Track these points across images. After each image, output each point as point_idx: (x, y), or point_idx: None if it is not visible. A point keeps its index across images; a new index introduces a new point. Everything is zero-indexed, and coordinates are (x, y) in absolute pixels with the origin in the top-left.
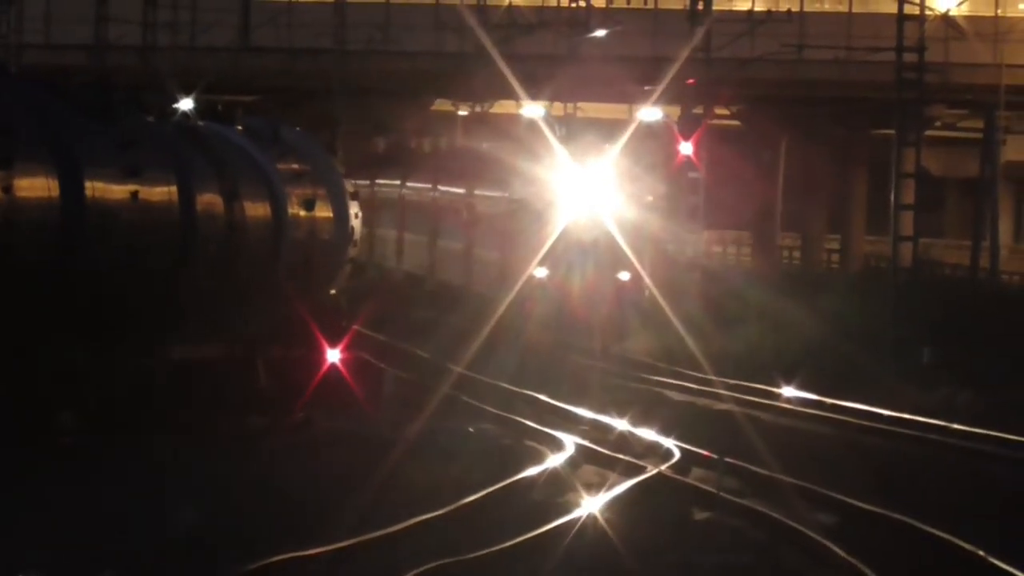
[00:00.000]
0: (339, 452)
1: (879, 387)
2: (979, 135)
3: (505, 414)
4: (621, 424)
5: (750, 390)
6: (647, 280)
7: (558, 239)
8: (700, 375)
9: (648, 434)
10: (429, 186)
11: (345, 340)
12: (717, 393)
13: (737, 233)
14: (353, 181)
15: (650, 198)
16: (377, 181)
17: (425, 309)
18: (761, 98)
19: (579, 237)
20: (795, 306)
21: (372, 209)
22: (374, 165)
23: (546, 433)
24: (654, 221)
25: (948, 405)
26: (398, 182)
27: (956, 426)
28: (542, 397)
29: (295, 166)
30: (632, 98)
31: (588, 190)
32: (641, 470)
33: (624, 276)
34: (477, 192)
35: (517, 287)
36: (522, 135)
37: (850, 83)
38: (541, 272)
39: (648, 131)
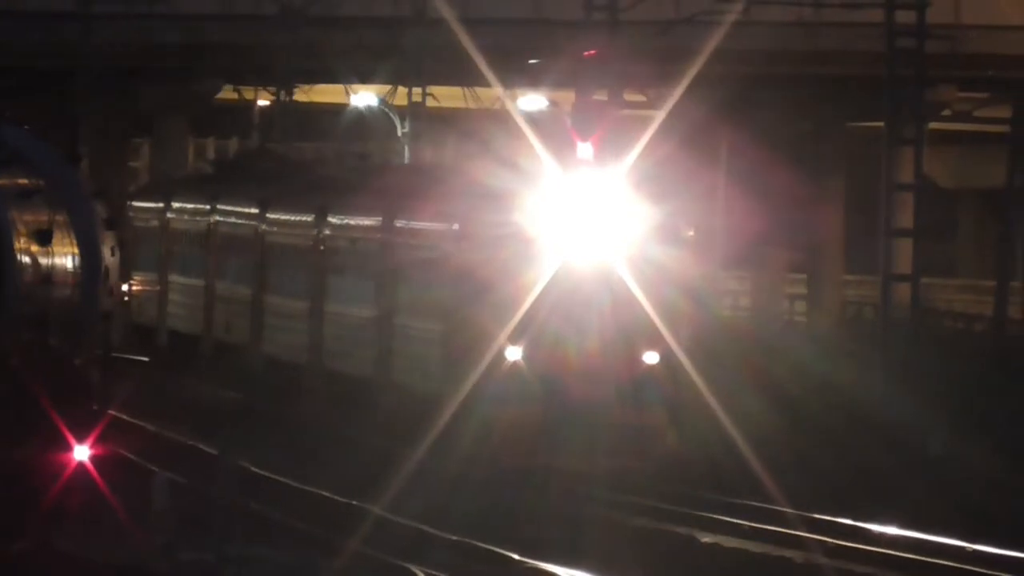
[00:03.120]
0: None
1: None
2: (1005, 128)
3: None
4: None
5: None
6: (685, 361)
7: (541, 297)
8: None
9: None
10: (310, 217)
11: (96, 430)
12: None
13: None
14: (178, 205)
15: (691, 232)
16: (219, 207)
17: (306, 418)
18: (690, 78)
19: (576, 294)
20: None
21: (209, 252)
22: (210, 184)
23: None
24: (694, 267)
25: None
26: (255, 210)
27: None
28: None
29: (23, 181)
30: (507, 79)
31: (587, 218)
32: None
33: (651, 357)
34: (401, 223)
35: (474, 377)
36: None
37: (820, 55)
38: (515, 352)
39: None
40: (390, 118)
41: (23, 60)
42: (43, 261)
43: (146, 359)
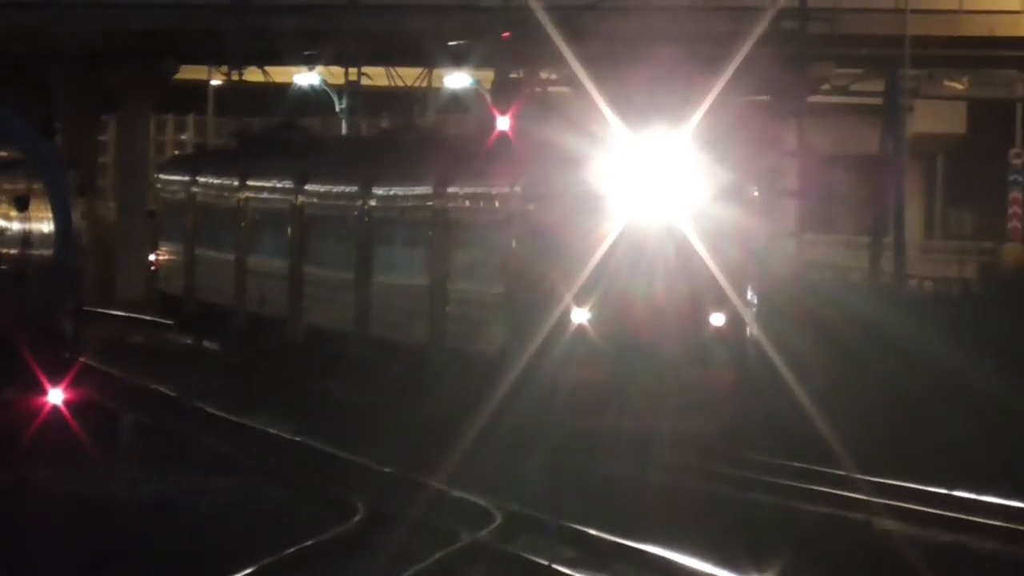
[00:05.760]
0: (60, 521)
1: None
2: (879, 101)
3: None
4: None
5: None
6: (751, 324)
7: (607, 259)
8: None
9: None
10: (352, 188)
11: (69, 376)
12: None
13: None
14: (206, 179)
15: (755, 192)
16: (248, 183)
17: (358, 389)
18: (597, 56)
19: (641, 256)
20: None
21: (241, 226)
22: (238, 158)
23: (328, 495)
24: (761, 228)
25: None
26: (290, 184)
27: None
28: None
29: (3, 153)
30: (434, 60)
31: (649, 180)
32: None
33: (718, 319)
34: (454, 189)
35: (538, 341)
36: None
37: (710, 35)
38: (581, 314)
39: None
40: (329, 95)
41: (1, 45)
42: (21, 224)
43: (170, 322)
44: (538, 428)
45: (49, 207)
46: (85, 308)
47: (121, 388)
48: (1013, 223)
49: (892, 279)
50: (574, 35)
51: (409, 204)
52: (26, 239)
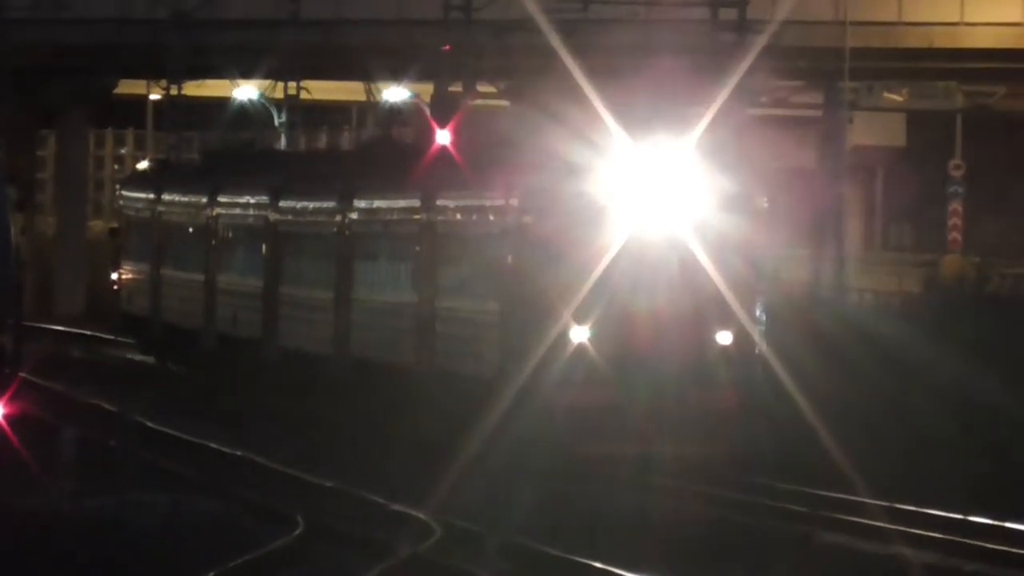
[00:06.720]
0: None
1: None
2: (818, 113)
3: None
4: None
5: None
6: (759, 342)
7: (607, 275)
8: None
9: None
10: (331, 202)
11: (9, 391)
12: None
13: None
14: (171, 197)
15: (765, 203)
16: (218, 199)
17: (339, 410)
18: (533, 71)
19: (644, 271)
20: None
21: (210, 244)
22: (209, 174)
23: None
24: (772, 242)
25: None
26: (264, 199)
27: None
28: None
29: None
30: (373, 74)
31: (652, 191)
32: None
33: (725, 337)
34: (443, 201)
35: (534, 361)
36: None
37: (643, 47)
38: (581, 332)
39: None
40: (268, 110)
41: None
42: None
43: (133, 341)
44: (534, 452)
45: None
46: (25, 323)
47: (64, 404)
48: (953, 235)
49: (833, 292)
50: (511, 52)
51: (393, 217)
52: None
